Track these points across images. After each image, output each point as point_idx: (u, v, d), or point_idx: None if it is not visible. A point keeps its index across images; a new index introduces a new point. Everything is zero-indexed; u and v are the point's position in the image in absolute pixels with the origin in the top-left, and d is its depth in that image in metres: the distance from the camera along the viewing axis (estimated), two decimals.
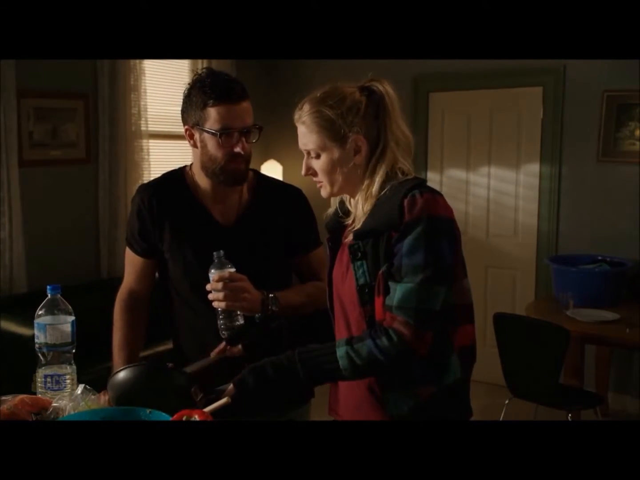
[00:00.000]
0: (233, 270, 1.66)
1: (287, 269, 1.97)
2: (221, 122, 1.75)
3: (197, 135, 1.81)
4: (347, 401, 1.60)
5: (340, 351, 1.43)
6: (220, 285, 1.63)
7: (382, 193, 1.49)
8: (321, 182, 1.55)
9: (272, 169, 5.16)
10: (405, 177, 1.50)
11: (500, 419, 3.58)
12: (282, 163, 5.37)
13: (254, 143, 1.85)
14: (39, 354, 1.69)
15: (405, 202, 1.43)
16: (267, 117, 5.52)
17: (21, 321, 3.36)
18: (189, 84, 1.82)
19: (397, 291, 1.41)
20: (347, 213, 1.62)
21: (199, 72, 1.82)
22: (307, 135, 1.52)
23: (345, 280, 1.55)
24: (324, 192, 1.57)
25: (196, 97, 1.77)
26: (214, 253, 1.66)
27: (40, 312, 1.70)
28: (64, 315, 1.70)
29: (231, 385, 1.51)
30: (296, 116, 1.54)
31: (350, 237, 1.52)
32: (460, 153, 4.88)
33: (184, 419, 1.40)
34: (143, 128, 4.45)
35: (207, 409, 1.45)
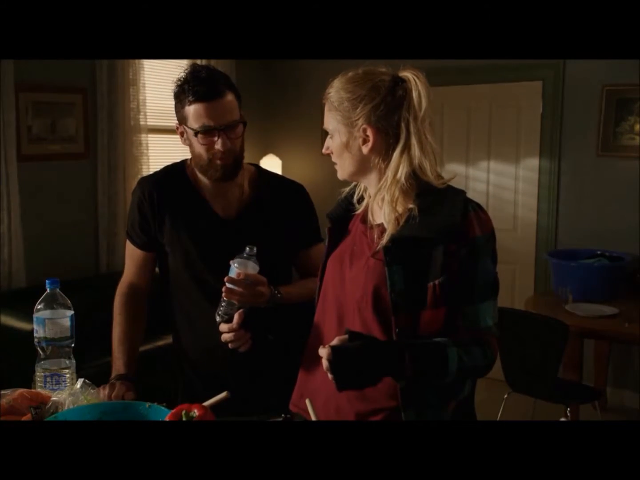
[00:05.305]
0: (257, 269, 1.65)
1: (288, 263, 1.96)
2: (199, 121, 1.75)
3: (185, 134, 1.81)
4: (328, 409, 1.49)
5: (452, 352, 1.35)
6: (242, 284, 1.61)
7: (423, 199, 1.42)
8: (335, 163, 1.52)
9: (271, 164, 5.15)
10: (443, 184, 1.46)
11: (499, 413, 3.59)
12: (281, 157, 5.37)
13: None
14: (38, 349, 1.69)
15: (472, 215, 1.42)
16: (267, 112, 5.53)
17: (20, 316, 3.36)
18: (176, 82, 1.82)
19: (485, 309, 1.41)
20: (359, 202, 1.57)
21: (185, 69, 1.81)
22: (325, 113, 1.49)
23: (354, 275, 1.48)
24: (338, 174, 1.53)
25: (180, 96, 1.79)
26: (247, 247, 1.64)
27: (39, 307, 1.70)
28: (63, 310, 1.70)
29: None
30: (325, 92, 1.49)
31: (382, 237, 1.43)
32: (459, 147, 4.87)
33: (182, 413, 1.40)
34: (142, 122, 4.44)
35: (206, 403, 1.45)
